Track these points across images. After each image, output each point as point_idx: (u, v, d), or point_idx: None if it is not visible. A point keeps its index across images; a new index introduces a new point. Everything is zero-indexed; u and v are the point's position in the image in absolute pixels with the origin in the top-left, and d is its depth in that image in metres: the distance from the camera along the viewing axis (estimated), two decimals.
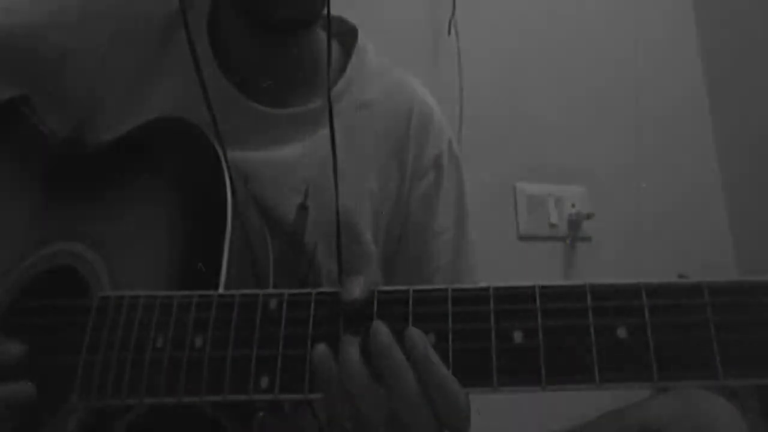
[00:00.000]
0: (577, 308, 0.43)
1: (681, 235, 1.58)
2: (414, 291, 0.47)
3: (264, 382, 0.46)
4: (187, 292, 0.51)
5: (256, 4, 0.65)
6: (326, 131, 0.69)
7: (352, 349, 0.45)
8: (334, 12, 0.73)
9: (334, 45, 0.77)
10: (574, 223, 1.52)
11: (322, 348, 0.45)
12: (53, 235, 0.62)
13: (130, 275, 0.57)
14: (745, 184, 1.65)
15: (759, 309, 0.41)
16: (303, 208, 0.70)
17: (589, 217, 1.50)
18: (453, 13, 1.49)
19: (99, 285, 0.57)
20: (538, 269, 1.47)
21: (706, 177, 1.71)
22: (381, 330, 0.45)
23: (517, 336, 0.44)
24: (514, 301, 0.45)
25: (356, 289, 0.47)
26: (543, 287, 0.45)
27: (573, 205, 1.53)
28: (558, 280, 0.44)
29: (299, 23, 0.68)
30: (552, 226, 1.51)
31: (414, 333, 0.44)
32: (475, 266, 0.80)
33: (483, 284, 0.46)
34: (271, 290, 0.50)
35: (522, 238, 1.49)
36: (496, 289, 0.45)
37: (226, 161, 0.59)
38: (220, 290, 0.53)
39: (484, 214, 1.30)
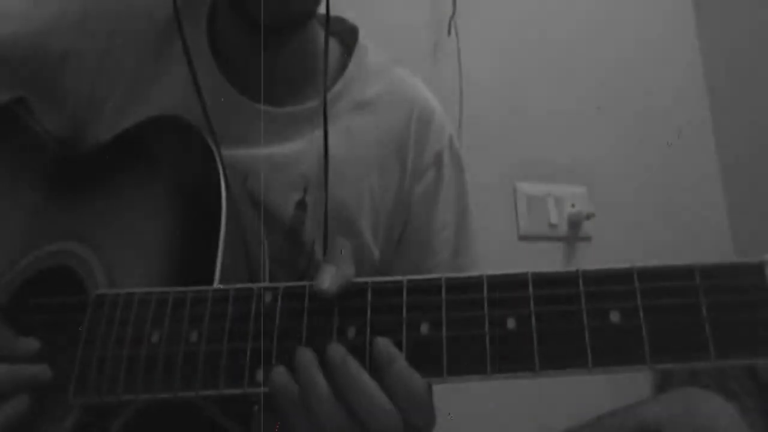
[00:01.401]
0: (569, 294, 0.44)
1: (681, 235, 1.58)
2: (408, 281, 0.47)
3: (260, 375, 0.46)
4: (182, 288, 0.51)
5: (246, 4, 0.65)
6: None
7: (312, 367, 0.45)
8: (333, 12, 0.73)
9: (334, 44, 0.77)
10: (574, 223, 1.52)
11: (281, 371, 0.46)
12: (50, 235, 0.62)
13: (126, 273, 0.57)
14: (745, 183, 1.65)
15: (750, 290, 0.41)
16: (301, 204, 0.71)
17: (589, 217, 1.50)
18: (453, 13, 1.49)
19: (95, 283, 0.57)
20: (538, 269, 1.46)
21: (706, 176, 1.70)
22: (335, 348, 0.45)
23: (510, 322, 0.44)
24: (507, 288, 0.45)
25: (326, 281, 0.47)
26: (535, 274, 0.45)
27: (573, 205, 1.53)
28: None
29: (290, 23, 0.68)
30: (552, 226, 1.50)
31: (379, 341, 0.45)
32: (477, 263, 0.80)
33: (476, 273, 0.46)
34: (266, 284, 0.50)
35: (522, 238, 1.49)
36: (490, 276, 0.45)
37: (221, 159, 0.59)
38: (215, 285, 0.53)
39: (484, 214, 1.30)
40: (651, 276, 0.43)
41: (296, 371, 0.46)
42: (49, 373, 0.52)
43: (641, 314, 0.42)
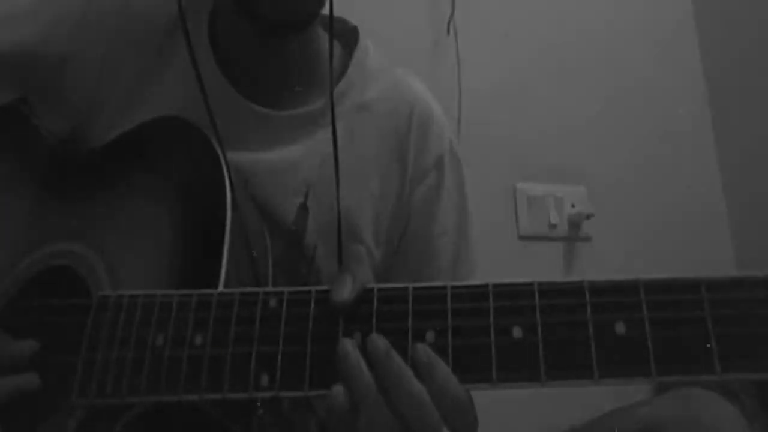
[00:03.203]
0: (575, 304, 0.44)
1: (681, 235, 1.58)
2: (413, 288, 0.47)
3: (264, 379, 0.46)
4: (186, 291, 0.51)
5: (251, 6, 0.65)
6: (327, 132, 0.69)
7: (353, 353, 0.45)
8: (335, 12, 0.73)
9: (336, 45, 0.77)
10: (574, 224, 1.52)
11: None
12: (52, 235, 0.62)
13: (129, 274, 0.57)
14: (745, 185, 1.65)
15: (756, 304, 0.41)
16: (303, 209, 0.70)
17: (589, 217, 1.50)
18: (452, 13, 1.49)
19: (98, 284, 0.57)
20: (538, 269, 1.47)
21: (706, 177, 1.70)
22: (377, 339, 0.45)
23: (516, 332, 0.44)
24: (513, 297, 0.45)
25: (345, 290, 0.47)
26: (541, 284, 0.45)
27: (573, 205, 1.52)
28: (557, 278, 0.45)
29: (295, 24, 0.68)
30: (552, 226, 1.50)
31: (419, 348, 0.45)
32: (476, 268, 0.80)
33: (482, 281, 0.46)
34: (271, 288, 0.50)
35: (522, 238, 1.49)
36: (495, 285, 0.45)
37: (226, 161, 0.59)
38: (220, 289, 0.53)
39: (484, 214, 1.30)
40: (657, 288, 0.43)
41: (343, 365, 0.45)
42: (37, 382, 0.52)
43: (647, 326, 0.42)
